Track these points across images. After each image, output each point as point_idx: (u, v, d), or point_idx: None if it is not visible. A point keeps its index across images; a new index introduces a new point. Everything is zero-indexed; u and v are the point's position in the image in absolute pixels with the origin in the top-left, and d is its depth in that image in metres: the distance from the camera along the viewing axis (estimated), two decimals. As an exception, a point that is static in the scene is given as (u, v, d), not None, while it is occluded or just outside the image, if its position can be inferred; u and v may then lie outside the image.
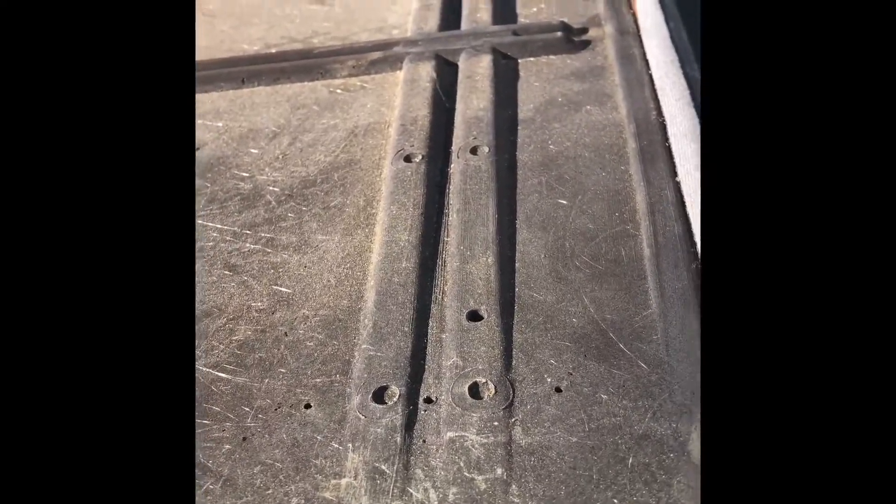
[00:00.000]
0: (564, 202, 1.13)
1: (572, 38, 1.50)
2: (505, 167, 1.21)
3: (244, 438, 0.87)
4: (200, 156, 1.34)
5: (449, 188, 1.18)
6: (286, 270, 1.08)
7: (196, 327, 1.01)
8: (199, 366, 0.96)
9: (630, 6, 1.58)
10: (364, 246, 1.11)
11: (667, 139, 1.20)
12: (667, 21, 1.51)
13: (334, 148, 1.31)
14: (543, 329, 0.94)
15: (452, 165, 1.22)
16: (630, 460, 0.79)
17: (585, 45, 1.50)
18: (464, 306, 0.98)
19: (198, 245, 1.15)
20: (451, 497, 0.78)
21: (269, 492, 0.81)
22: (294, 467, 0.83)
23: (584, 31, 1.54)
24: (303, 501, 0.80)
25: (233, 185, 1.26)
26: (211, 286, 1.07)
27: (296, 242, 1.13)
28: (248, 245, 1.14)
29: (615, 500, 0.76)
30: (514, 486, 0.78)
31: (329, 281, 1.06)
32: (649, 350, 0.90)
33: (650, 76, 1.35)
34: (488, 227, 1.09)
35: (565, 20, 1.56)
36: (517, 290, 1.00)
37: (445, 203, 1.16)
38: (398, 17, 1.70)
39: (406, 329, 0.96)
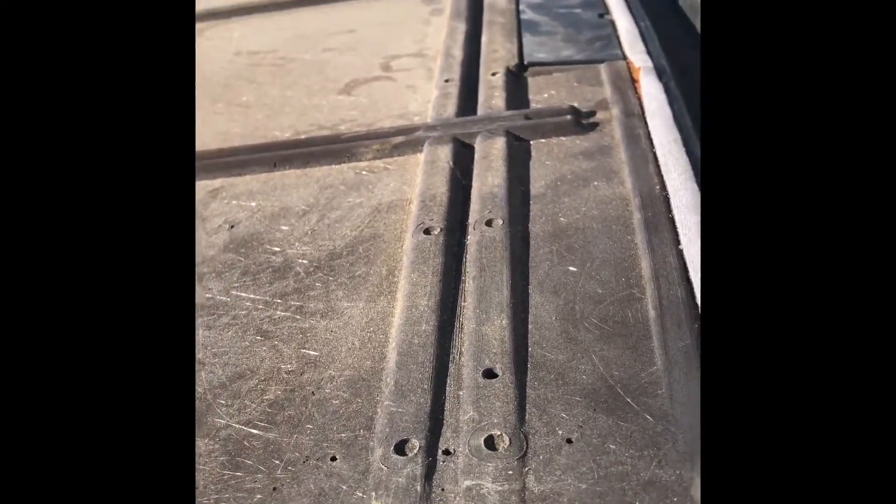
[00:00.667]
0: (574, 269, 1.20)
1: (581, 121, 1.61)
2: (518, 238, 1.29)
3: (274, 489, 0.92)
4: (235, 233, 1.44)
5: (465, 258, 1.26)
6: (314, 335, 1.16)
7: (229, 388, 1.08)
8: (233, 423, 1.03)
9: (636, 91, 1.70)
10: (386, 311, 1.18)
11: (670, 211, 1.28)
12: (670, 103, 1.61)
13: (359, 223, 1.41)
14: (555, 385, 1.00)
15: (469, 237, 1.31)
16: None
17: (593, 126, 1.60)
18: (480, 365, 1.04)
19: (231, 313, 1.23)
20: (467, 541, 0.83)
21: (297, 537, 0.86)
22: (320, 515, 0.88)
23: (593, 114, 1.65)
24: None
25: (265, 258, 1.35)
26: (244, 350, 1.15)
27: (323, 309, 1.21)
28: (278, 312, 1.22)
29: (623, 543, 0.80)
30: (527, 531, 0.83)
31: (353, 344, 1.13)
32: (655, 403, 0.95)
33: (654, 154, 1.44)
34: (502, 292, 1.16)
35: (574, 104, 1.67)
36: (530, 349, 1.06)
37: (462, 271, 1.24)
38: (419, 105, 1.83)
39: (425, 386, 1.02)
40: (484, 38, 2.09)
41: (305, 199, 1.51)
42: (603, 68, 1.82)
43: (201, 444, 1.00)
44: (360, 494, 0.90)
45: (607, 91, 1.72)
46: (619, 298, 1.13)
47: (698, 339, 1.02)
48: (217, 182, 1.62)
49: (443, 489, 0.89)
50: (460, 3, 2.38)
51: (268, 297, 1.25)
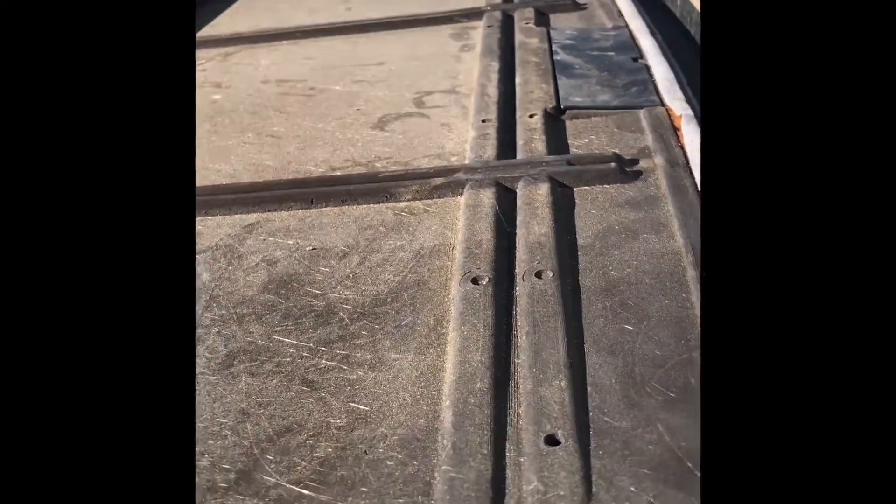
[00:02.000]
0: (630, 328, 1.17)
1: (625, 169, 1.59)
2: (569, 291, 1.26)
3: (332, 557, 0.88)
4: (273, 271, 1.41)
5: (516, 311, 1.23)
6: (362, 388, 1.12)
7: (277, 443, 1.04)
8: (282, 482, 0.98)
9: (678, 139, 1.68)
10: (437, 365, 1.14)
11: (725, 269, 1.25)
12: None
13: (402, 268, 1.38)
14: (621, 455, 0.96)
15: (518, 288, 1.28)
16: None
17: (637, 175, 1.58)
18: (541, 430, 1.00)
19: (276, 360, 1.19)
20: None
21: None
22: (382, 590, 0.84)
23: (636, 161, 1.62)
24: None
25: (306, 301, 1.32)
26: (290, 402, 1.11)
27: (370, 360, 1.17)
28: (324, 361, 1.18)
29: None
30: None
31: (405, 399, 1.09)
32: (728, 480, 0.91)
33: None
34: (558, 351, 1.12)
35: (617, 151, 1.65)
36: (591, 414, 1.03)
37: (514, 325, 1.20)
38: (455, 145, 1.81)
39: (485, 451, 0.98)
40: (518, 79, 2.07)
41: (345, 240, 1.48)
42: (642, 114, 1.81)
43: (250, 505, 0.95)
44: (424, 569, 0.85)
45: (649, 139, 1.70)
46: (679, 362, 1.10)
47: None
48: (252, 217, 1.58)
49: (511, 567, 0.85)
50: (491, 41, 2.38)
51: (312, 345, 1.21)
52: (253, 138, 1.95)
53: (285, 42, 2.64)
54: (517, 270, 1.32)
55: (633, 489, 0.92)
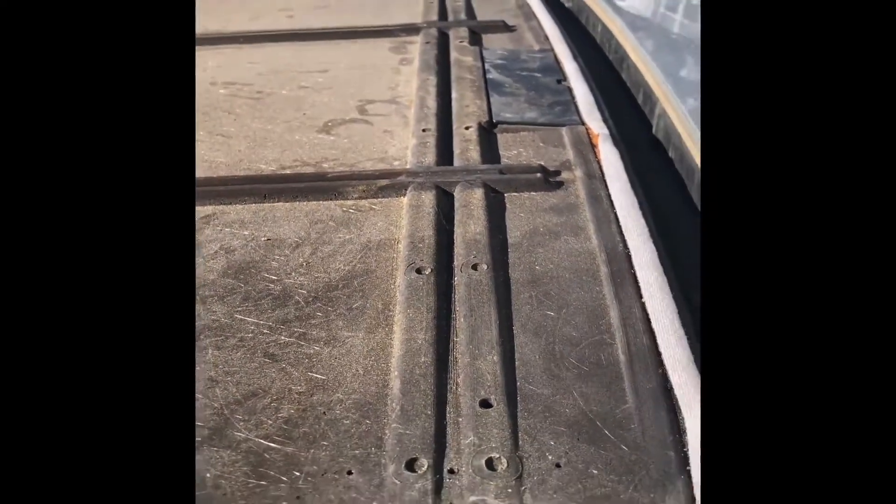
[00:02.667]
0: (552, 314, 1.36)
1: (549, 179, 1.79)
2: (501, 282, 1.44)
3: (298, 497, 1.03)
4: (231, 259, 1.53)
5: (454, 297, 1.40)
6: (319, 360, 1.27)
7: (244, 405, 1.18)
8: (252, 437, 1.12)
9: (596, 155, 1.89)
10: (385, 343, 1.30)
11: (632, 267, 1.46)
12: (626, 170, 1.82)
13: (352, 259, 1.53)
14: (543, 417, 1.15)
15: (456, 278, 1.45)
16: (620, 521, 0.99)
17: (560, 185, 1.78)
18: (476, 395, 1.17)
19: (238, 336, 1.32)
20: (478, 547, 0.95)
21: (325, 541, 0.97)
22: (343, 522, 0.99)
23: (559, 173, 1.83)
24: None
25: (264, 286, 1.45)
26: (254, 371, 1.24)
27: (325, 337, 1.32)
28: (283, 338, 1.32)
29: (610, 552, 0.95)
30: (528, 540, 0.96)
31: (357, 371, 1.24)
32: (629, 436, 1.11)
33: (615, 214, 1.63)
34: (491, 331, 1.30)
35: (542, 163, 1.85)
36: (519, 383, 1.21)
37: (453, 310, 1.37)
38: (397, 151, 1.97)
39: (429, 412, 1.15)
40: (454, 94, 2.26)
41: (297, 233, 1.62)
42: (565, 132, 2.02)
43: (224, 455, 1.09)
44: (377, 505, 1.01)
45: (570, 153, 1.91)
46: (592, 342, 1.29)
47: (663, 383, 1.19)
48: (208, 209, 1.70)
49: (451, 503, 1.02)
50: (428, 56, 2.55)
51: (271, 323, 1.35)
52: (204, 136, 2.06)
53: (230, 46, 2.74)
54: (455, 263, 1.49)
55: (552, 443, 1.10)
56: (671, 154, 2.16)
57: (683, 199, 2.04)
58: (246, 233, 1.62)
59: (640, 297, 1.39)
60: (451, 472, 1.06)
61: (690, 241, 1.78)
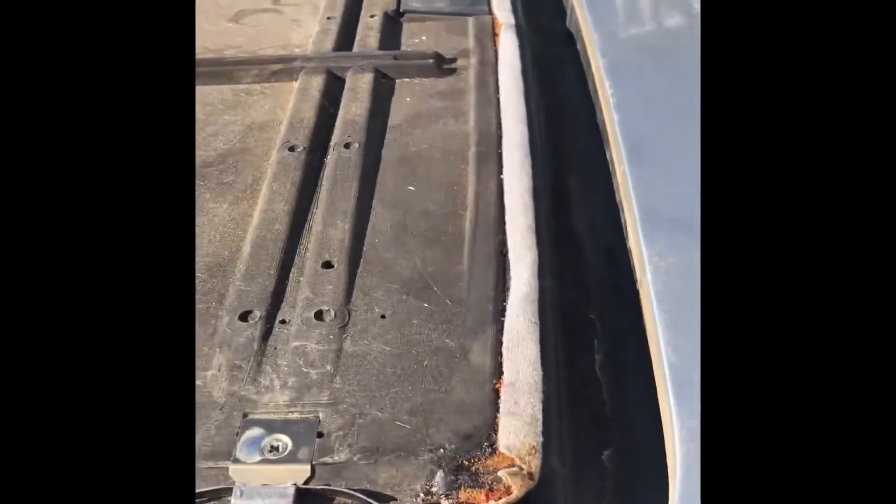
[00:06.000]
0: (412, 189, 1.42)
1: (442, 66, 1.82)
2: (371, 161, 1.49)
3: (134, 343, 1.11)
4: (117, 138, 1.58)
5: (322, 173, 1.46)
6: (181, 228, 1.33)
7: (102, 266, 1.25)
8: (102, 293, 1.20)
9: (494, 43, 1.91)
10: (247, 213, 1.37)
11: (499, 147, 1.52)
12: (522, 57, 1.84)
13: (232, 138, 1.58)
14: (381, 276, 1.22)
15: (328, 157, 1.50)
16: (425, 362, 1.07)
17: (452, 71, 1.81)
18: (320, 258, 1.25)
19: (108, 206, 1.39)
20: (289, 383, 1.04)
21: (151, 378, 1.06)
22: (172, 363, 1.08)
23: (454, 60, 1.85)
24: None
25: (143, 162, 1.50)
26: (117, 237, 1.31)
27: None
28: (151, 208, 1.38)
29: (410, 388, 1.04)
30: (338, 378, 1.05)
31: (214, 236, 1.31)
32: (455, 293, 1.19)
33: (497, 99, 1.67)
34: (349, 203, 1.37)
35: (439, 51, 1.87)
36: (365, 249, 1.28)
37: (318, 184, 1.43)
38: (301, 39, 1.99)
39: (272, 272, 1.22)
40: (368, -17, 2.25)
41: (185, 114, 1.66)
42: (470, 21, 2.03)
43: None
44: (207, 350, 1.10)
45: (470, 42, 1.93)
46: (445, 214, 1.36)
47: (498, 248, 1.27)
48: (102, 92, 1.74)
49: (275, 348, 1.10)
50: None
51: (142, 195, 1.41)
52: (112, 24, 2.07)
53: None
54: (331, 143, 1.54)
55: (382, 298, 1.18)
56: (578, 47, 2.17)
57: (583, 90, 2.06)
58: (135, 114, 1.66)
59: (500, 173, 1.45)
60: (283, 322, 1.15)
61: (576, 130, 1.82)
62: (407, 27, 2.04)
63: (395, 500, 0.92)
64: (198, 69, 1.80)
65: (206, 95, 1.73)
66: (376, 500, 0.91)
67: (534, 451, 0.94)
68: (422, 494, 0.93)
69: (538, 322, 1.12)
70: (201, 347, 1.11)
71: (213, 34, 2.02)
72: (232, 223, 1.35)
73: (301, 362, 1.07)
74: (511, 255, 1.25)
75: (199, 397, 1.04)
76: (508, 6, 2.10)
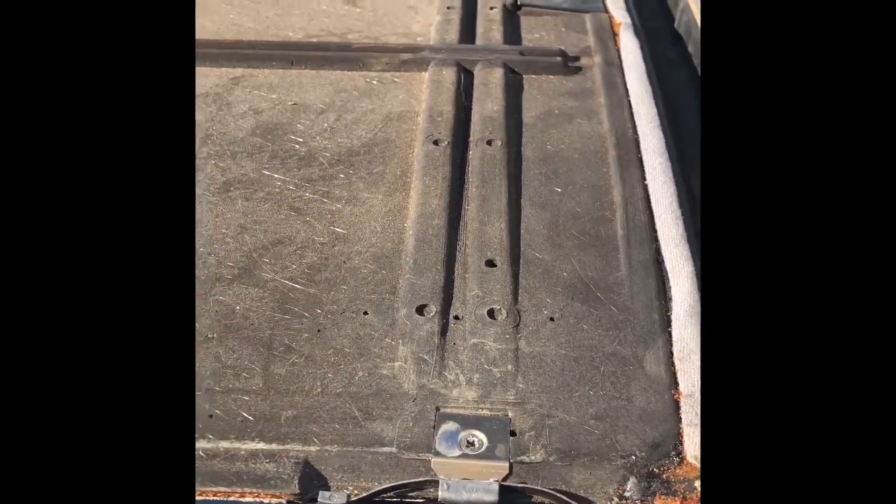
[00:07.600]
0: (559, 190, 1.45)
1: (568, 64, 1.83)
2: (513, 158, 1.52)
3: (318, 330, 1.15)
4: (259, 119, 1.61)
5: (468, 169, 1.49)
6: (341, 216, 1.37)
7: (271, 250, 1.29)
8: (278, 278, 1.24)
9: (616, 43, 1.93)
10: (402, 205, 1.40)
11: (639, 151, 1.54)
12: (644, 59, 1.86)
13: (373, 127, 1.61)
14: (542, 278, 1.26)
15: (471, 152, 1.53)
16: (602, 368, 1.11)
17: (578, 70, 1.83)
18: (482, 256, 1.28)
19: (265, 189, 1.42)
20: (475, 379, 1.09)
21: (342, 367, 1.10)
22: (358, 353, 1.12)
23: (577, 58, 1.87)
24: (367, 375, 1.09)
25: (290, 146, 1.54)
26: (281, 222, 1.35)
27: (347, 196, 1.42)
28: (307, 195, 1.42)
29: (591, 393, 1.08)
30: (520, 377, 1.09)
31: (375, 228, 1.35)
32: (618, 300, 1.23)
33: (629, 101, 1.69)
34: (501, 201, 1.40)
35: (563, 48, 1.89)
36: (522, 248, 1.31)
37: (466, 180, 1.46)
38: (421, 27, 2.01)
39: (439, 267, 1.26)
40: (482, -26, 2.25)
41: (322, 99, 1.69)
42: (588, 18, 2.04)
43: (252, 292, 1.21)
44: (389, 341, 1.14)
45: (591, 40, 1.94)
46: (593, 217, 1.39)
47: (655, 255, 1.30)
48: (238, 71, 1.77)
49: (455, 343, 1.14)
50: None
51: (297, 181, 1.45)
52: (234, 0, 2.09)
53: None
54: (471, 137, 1.57)
55: (548, 300, 1.22)
56: (690, 49, 2.18)
57: (696, 93, 2.08)
58: (273, 96, 1.69)
59: (644, 179, 1.47)
60: (457, 318, 1.19)
61: (698, 132, 1.84)
62: (525, 21, 2.05)
63: (592, 502, 0.96)
64: (326, 53, 1.83)
65: (339, 81, 1.76)
66: (576, 501, 0.95)
67: (722, 463, 0.98)
68: (615, 498, 0.97)
69: (706, 334, 1.16)
70: (383, 339, 1.15)
71: (333, 16, 2.04)
72: (389, 215, 1.38)
73: (482, 359, 1.11)
74: (668, 265, 1.28)
75: (390, 387, 1.08)
76: (622, 4, 2.10)
